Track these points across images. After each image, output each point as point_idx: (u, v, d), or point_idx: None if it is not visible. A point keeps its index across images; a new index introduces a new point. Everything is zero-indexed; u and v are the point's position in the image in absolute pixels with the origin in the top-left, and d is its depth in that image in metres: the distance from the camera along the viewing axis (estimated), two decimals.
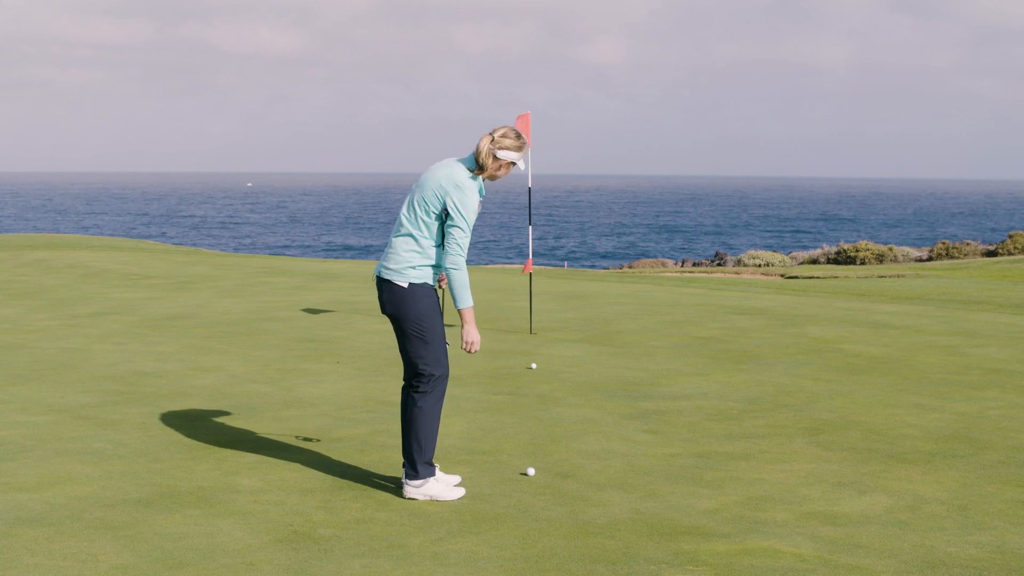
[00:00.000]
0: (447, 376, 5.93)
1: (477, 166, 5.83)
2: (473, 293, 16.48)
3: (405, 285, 5.79)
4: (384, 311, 5.91)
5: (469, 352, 5.84)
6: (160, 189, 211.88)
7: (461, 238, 5.71)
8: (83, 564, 4.83)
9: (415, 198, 5.81)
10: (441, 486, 5.89)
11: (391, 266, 5.83)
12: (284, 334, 12.00)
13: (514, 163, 5.88)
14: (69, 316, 13.57)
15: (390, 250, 5.87)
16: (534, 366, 10.16)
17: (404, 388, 5.97)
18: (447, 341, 5.98)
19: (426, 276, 5.81)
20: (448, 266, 5.72)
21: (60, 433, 7.25)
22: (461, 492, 5.92)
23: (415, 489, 5.86)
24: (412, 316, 5.80)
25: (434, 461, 6.07)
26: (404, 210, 5.87)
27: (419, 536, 5.27)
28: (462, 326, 5.83)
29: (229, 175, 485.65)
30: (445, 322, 6.22)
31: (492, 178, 5.91)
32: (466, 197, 5.70)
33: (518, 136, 5.83)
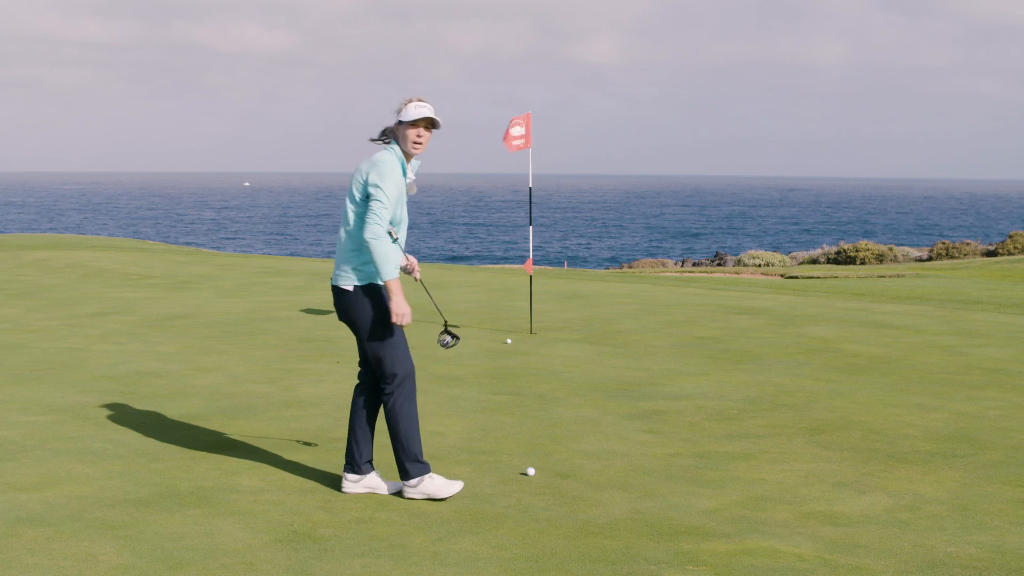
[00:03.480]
0: (412, 374, 5.86)
1: (396, 143, 5.81)
2: (474, 293, 16.48)
3: (351, 289, 5.76)
4: (339, 318, 5.91)
5: (400, 325, 5.72)
6: (162, 191, 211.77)
7: (379, 208, 5.62)
8: (83, 564, 4.83)
9: (347, 194, 5.83)
10: (437, 482, 5.86)
11: (337, 271, 5.84)
12: (284, 334, 12.00)
13: (420, 128, 5.73)
14: (69, 316, 13.57)
15: (336, 256, 5.90)
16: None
17: (356, 387, 6.02)
18: (452, 327, 5.97)
19: (370, 276, 5.78)
20: (367, 236, 5.61)
21: (60, 433, 7.25)
22: (459, 485, 5.88)
23: (412, 489, 5.85)
24: (361, 321, 5.78)
25: (425, 459, 6.03)
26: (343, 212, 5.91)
27: (419, 536, 5.27)
28: (390, 299, 5.73)
29: (224, 175, 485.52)
30: (452, 323, 6.21)
31: (413, 150, 5.77)
32: (383, 169, 5.66)
33: (409, 99, 5.78)
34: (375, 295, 5.79)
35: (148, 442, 7.04)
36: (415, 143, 5.75)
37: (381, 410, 6.08)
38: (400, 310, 5.69)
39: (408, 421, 5.83)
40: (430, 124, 5.79)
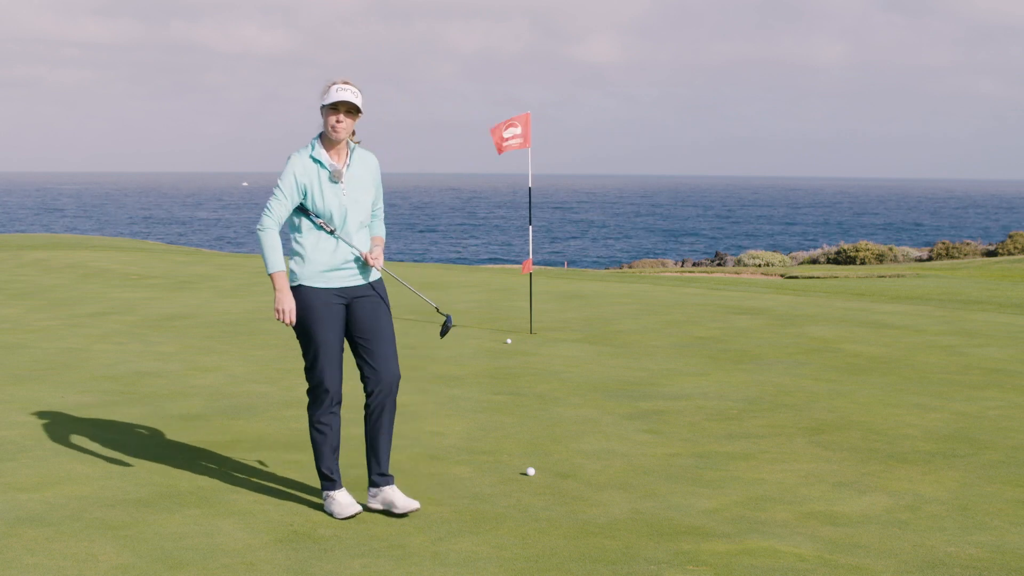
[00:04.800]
0: (325, 392, 5.53)
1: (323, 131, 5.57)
2: (474, 293, 16.47)
3: (292, 286, 5.53)
4: None
5: (285, 323, 5.44)
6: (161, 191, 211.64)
7: (270, 201, 5.47)
8: (83, 564, 4.83)
9: None
10: (333, 502, 5.59)
11: None
12: (284, 334, 11.99)
13: (340, 112, 5.41)
14: (69, 316, 13.57)
15: None
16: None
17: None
18: (443, 314, 5.88)
19: (304, 276, 5.50)
20: (256, 228, 5.52)
21: (60, 433, 7.25)
22: (353, 511, 5.52)
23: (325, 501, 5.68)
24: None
25: (334, 476, 5.66)
26: None
27: (419, 536, 5.27)
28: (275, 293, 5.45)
29: (224, 175, 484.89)
30: (447, 310, 6.19)
31: (332, 135, 5.46)
32: (285, 166, 5.50)
33: (333, 81, 5.48)
34: (305, 298, 5.52)
35: (148, 442, 7.05)
36: (333, 128, 5.44)
37: (384, 418, 5.68)
38: (279, 306, 5.42)
39: (314, 435, 5.60)
40: (350, 109, 5.45)
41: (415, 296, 14.10)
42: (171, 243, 53.11)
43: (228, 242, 69.70)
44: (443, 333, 6.04)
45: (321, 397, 5.56)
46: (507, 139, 12.24)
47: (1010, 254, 40.71)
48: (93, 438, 7.13)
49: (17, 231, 68.53)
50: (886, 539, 5.28)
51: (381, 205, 5.81)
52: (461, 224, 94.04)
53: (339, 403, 5.63)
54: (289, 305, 5.44)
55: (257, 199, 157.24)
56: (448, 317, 6.03)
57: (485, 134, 12.41)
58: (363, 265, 5.60)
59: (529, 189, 13.09)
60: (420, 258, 54.46)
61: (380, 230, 5.79)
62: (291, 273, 5.56)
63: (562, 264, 47.63)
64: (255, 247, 59.75)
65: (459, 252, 64.01)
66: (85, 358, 10.32)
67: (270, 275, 5.45)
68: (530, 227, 13.53)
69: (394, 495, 5.61)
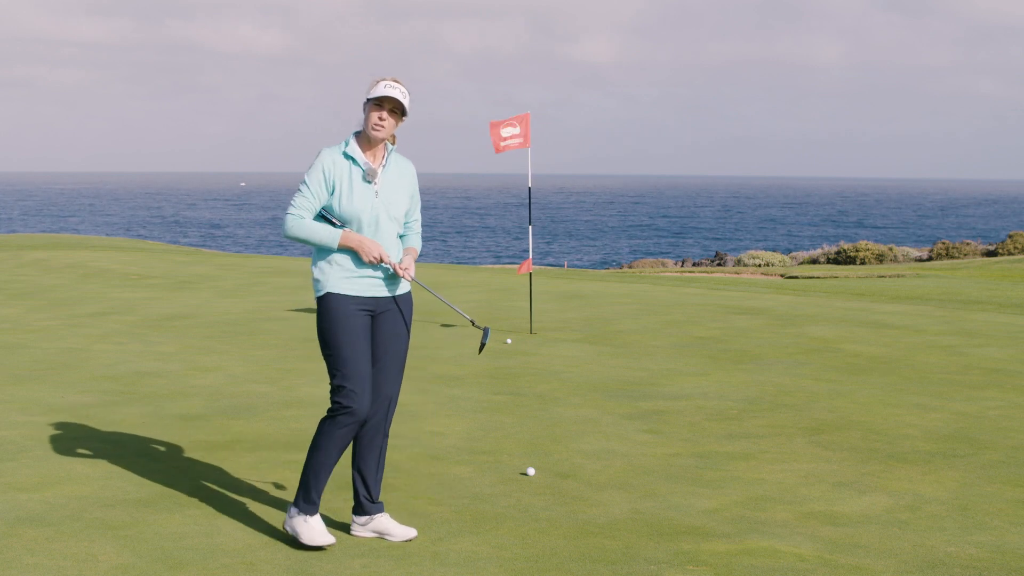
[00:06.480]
0: (351, 411, 5.05)
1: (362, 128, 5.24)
2: (474, 293, 16.47)
3: (318, 296, 5.20)
4: None
5: (386, 262, 5.09)
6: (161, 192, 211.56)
7: (295, 197, 5.10)
8: (83, 564, 4.83)
9: None
10: (306, 526, 5.11)
11: None
12: (284, 334, 12.00)
13: (384, 110, 5.07)
14: (69, 316, 13.57)
15: None
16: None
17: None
18: (477, 324, 5.62)
19: (318, 288, 5.17)
20: (282, 233, 5.16)
21: (60, 433, 7.25)
22: (328, 541, 5.08)
23: (288, 519, 5.18)
24: (318, 330, 5.19)
25: (318, 501, 5.22)
26: None
27: (419, 536, 5.27)
28: (359, 251, 5.07)
29: (223, 175, 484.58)
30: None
31: (373, 132, 5.11)
32: (313, 160, 5.17)
33: (382, 78, 5.16)
34: (334, 305, 5.13)
35: (148, 442, 7.04)
36: (375, 126, 5.08)
37: (377, 438, 5.31)
38: (368, 255, 5.04)
39: (321, 454, 5.10)
40: (395, 108, 5.11)
41: (419, 296, 14.10)
42: (171, 243, 53.17)
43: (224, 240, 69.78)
44: (481, 348, 5.63)
45: (349, 419, 5.09)
46: (505, 139, 12.24)
47: (1010, 254, 40.72)
48: (93, 438, 7.13)
49: (14, 231, 68.58)
50: (886, 539, 5.28)
51: (418, 217, 5.40)
52: (461, 224, 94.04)
53: (361, 422, 5.13)
54: (377, 249, 5.06)
55: (256, 199, 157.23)
56: (486, 330, 5.53)
57: (485, 134, 12.40)
58: (390, 275, 5.23)
59: (529, 189, 13.09)
60: (419, 258, 54.47)
61: (415, 243, 5.38)
62: (315, 282, 5.18)
63: (562, 264, 47.62)
64: (250, 248, 59.73)
65: (458, 253, 64.01)
66: (85, 358, 10.32)
67: (339, 245, 5.06)
68: (530, 227, 13.53)
69: (389, 524, 5.25)
